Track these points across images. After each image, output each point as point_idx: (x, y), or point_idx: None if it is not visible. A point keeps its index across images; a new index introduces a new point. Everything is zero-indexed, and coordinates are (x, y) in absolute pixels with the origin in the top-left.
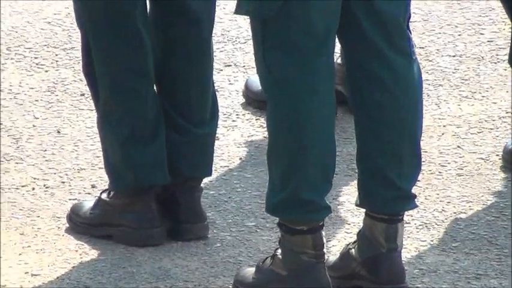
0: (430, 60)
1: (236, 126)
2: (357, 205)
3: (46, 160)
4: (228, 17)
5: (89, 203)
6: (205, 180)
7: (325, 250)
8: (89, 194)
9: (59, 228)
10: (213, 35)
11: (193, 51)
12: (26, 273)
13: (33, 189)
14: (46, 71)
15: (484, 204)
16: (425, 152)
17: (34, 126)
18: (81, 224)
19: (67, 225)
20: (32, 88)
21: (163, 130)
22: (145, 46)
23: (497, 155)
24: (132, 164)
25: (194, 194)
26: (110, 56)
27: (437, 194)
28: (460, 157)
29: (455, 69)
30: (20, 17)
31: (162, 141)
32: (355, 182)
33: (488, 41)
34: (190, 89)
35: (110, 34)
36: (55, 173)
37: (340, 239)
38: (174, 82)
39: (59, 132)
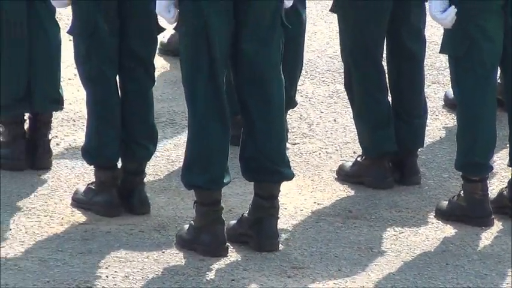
0: None
1: (438, 118)
2: (508, 165)
3: (327, 137)
4: (435, 54)
5: (348, 163)
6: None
7: (488, 192)
8: (352, 157)
9: (334, 177)
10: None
11: (414, 74)
12: (314, 202)
13: (319, 154)
14: (328, 85)
15: None
16: None
17: (320, 117)
18: (344, 176)
19: (335, 175)
20: (319, 95)
21: (392, 121)
22: (383, 71)
23: None
24: (374, 140)
25: (413, 158)
26: (363, 78)
27: None
28: None
29: None
30: (313, 54)
31: (392, 126)
32: (507, 151)
33: None
34: (414, 96)
35: (363, 64)
36: (332, 145)
37: (497, 184)
38: (403, 93)
39: (335, 120)
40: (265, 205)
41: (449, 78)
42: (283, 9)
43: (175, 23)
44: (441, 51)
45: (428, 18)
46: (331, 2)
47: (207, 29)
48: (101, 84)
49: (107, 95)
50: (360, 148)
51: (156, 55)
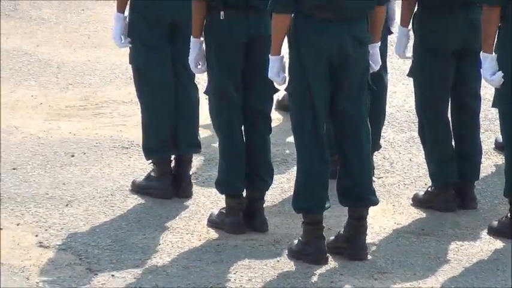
0: None
1: (490, 158)
2: None
3: (404, 172)
4: (488, 108)
5: (421, 193)
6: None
7: None
8: (423, 188)
9: (410, 203)
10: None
11: (472, 125)
12: (394, 223)
13: (399, 185)
14: (405, 133)
15: None
16: None
17: (399, 157)
18: (418, 202)
19: (411, 202)
20: (399, 140)
21: (455, 159)
22: (448, 122)
23: None
24: (441, 175)
25: (471, 188)
26: (433, 127)
27: None
28: None
29: None
30: (393, 108)
31: (455, 163)
32: None
33: None
34: (472, 141)
35: (432, 117)
36: (408, 178)
37: None
38: (464, 138)
39: (410, 160)
40: (357, 225)
41: (498, 127)
42: (369, 74)
43: (286, 85)
44: (493, 106)
45: (483, 79)
46: (408, 69)
47: (310, 89)
48: (230, 133)
49: (234, 141)
50: (430, 181)
51: (273, 110)
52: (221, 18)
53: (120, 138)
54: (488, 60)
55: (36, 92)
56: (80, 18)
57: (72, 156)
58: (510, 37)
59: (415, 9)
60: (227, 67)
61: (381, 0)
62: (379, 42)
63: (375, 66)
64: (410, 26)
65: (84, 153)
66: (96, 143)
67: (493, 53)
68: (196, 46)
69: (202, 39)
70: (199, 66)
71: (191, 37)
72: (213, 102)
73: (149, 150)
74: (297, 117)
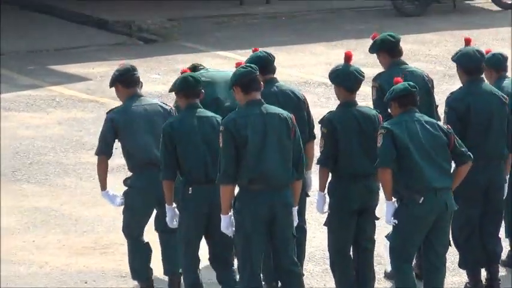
0: None
1: (381, 284)
2: None
3: None
4: (379, 247)
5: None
6: None
7: None
8: None
9: None
10: None
11: (368, 260)
12: None
13: None
14: (321, 265)
15: None
16: None
17: (316, 282)
18: None
19: None
20: (316, 271)
21: (355, 284)
22: (351, 259)
23: None
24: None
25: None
26: (339, 263)
27: None
28: None
29: None
30: (313, 249)
31: (355, 286)
32: None
33: None
34: (367, 272)
35: (339, 255)
36: None
37: None
38: (362, 271)
39: (325, 285)
40: None
41: (387, 261)
42: (294, 226)
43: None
44: (386, 236)
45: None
46: (324, 220)
47: (248, 239)
48: (188, 269)
49: (194, 277)
50: None
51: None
52: (189, 192)
53: (119, 269)
54: (389, 206)
55: (60, 236)
56: (91, 184)
57: (85, 282)
58: (404, 195)
59: (329, 179)
60: (194, 227)
61: (298, 175)
62: (297, 206)
63: (294, 222)
64: (326, 191)
65: (94, 281)
66: (103, 273)
67: (393, 200)
68: (170, 211)
69: (175, 205)
70: (174, 223)
71: (166, 204)
72: (182, 248)
73: (134, 271)
74: (241, 259)
